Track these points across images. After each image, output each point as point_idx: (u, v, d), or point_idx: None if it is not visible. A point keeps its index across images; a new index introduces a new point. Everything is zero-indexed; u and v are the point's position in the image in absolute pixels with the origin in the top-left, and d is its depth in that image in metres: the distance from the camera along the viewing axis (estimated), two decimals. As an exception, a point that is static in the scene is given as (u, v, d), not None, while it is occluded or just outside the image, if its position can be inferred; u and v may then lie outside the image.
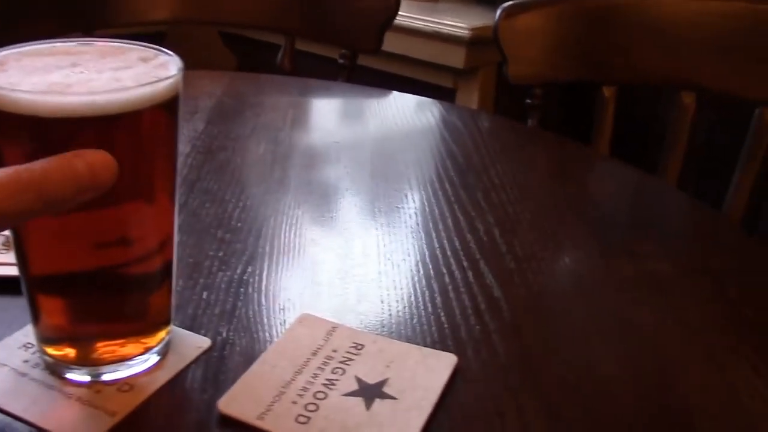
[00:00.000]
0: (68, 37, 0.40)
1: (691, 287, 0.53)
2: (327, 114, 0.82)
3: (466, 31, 1.36)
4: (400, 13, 1.43)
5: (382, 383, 0.41)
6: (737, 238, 0.64)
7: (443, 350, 0.44)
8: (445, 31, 1.38)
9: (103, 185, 0.32)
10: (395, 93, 0.91)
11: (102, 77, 0.36)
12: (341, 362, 0.43)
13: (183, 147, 0.69)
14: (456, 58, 1.40)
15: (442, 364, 0.43)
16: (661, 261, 0.56)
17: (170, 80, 0.36)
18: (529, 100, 0.96)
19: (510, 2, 0.95)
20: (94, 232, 0.36)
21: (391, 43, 1.44)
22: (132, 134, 0.35)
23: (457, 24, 1.37)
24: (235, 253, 0.53)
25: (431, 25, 1.40)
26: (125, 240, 0.37)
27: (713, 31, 0.91)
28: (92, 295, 0.38)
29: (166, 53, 0.39)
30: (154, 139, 0.36)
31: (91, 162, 0.32)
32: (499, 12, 0.94)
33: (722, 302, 0.52)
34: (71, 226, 0.35)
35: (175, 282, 0.48)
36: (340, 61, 1.06)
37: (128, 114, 0.34)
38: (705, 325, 0.49)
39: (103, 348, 0.40)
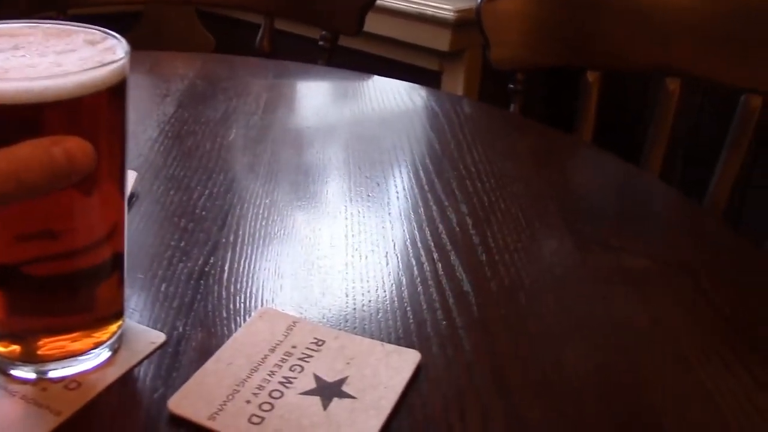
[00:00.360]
0: (42, 18, 0.39)
1: (668, 283, 0.52)
2: (302, 98, 0.80)
3: (452, 13, 1.34)
4: (385, -6, 1.41)
5: (342, 381, 0.40)
6: (719, 233, 0.63)
7: (407, 346, 0.43)
8: (430, 12, 1.36)
9: (82, 172, 0.32)
10: (375, 77, 0.89)
11: (43, 62, 0.34)
12: (300, 359, 0.41)
13: (151, 131, 0.68)
14: (441, 41, 1.38)
15: (405, 361, 0.41)
16: (639, 255, 0.55)
17: (115, 65, 0.34)
18: (511, 86, 0.94)
19: (493, -15, 0.93)
20: (31, 221, 0.34)
21: (376, 24, 1.41)
22: (71, 122, 0.33)
23: (442, 6, 1.35)
24: (198, 243, 0.51)
25: (416, 6, 1.38)
26: (65, 230, 0.35)
27: (699, 17, 0.90)
28: (31, 289, 0.36)
29: (114, 37, 0.37)
30: (96, 126, 0.34)
31: (69, 148, 0.31)
32: (481, -5, 0.92)
33: (699, 298, 0.50)
34: (4, 216, 0.33)
35: (132, 273, 0.46)
36: (321, 43, 1.04)
37: (67, 101, 0.32)
38: (679, 322, 0.48)
39: (51, 344, 0.38)
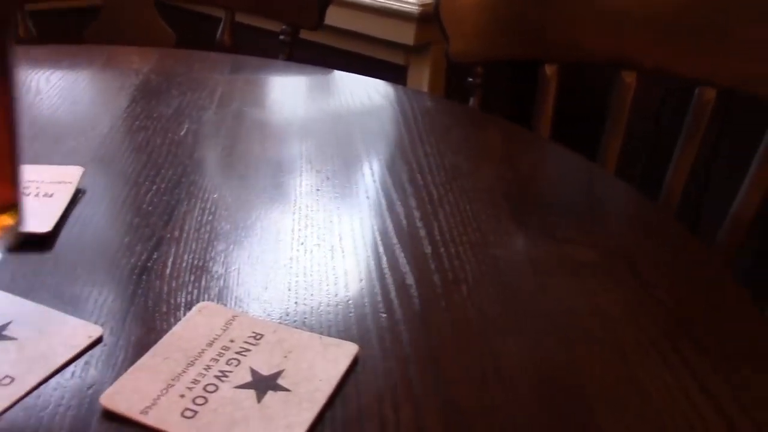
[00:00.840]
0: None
1: (611, 275, 0.53)
2: (257, 93, 0.80)
3: (416, 7, 1.34)
4: (350, -12, 1.41)
5: (278, 375, 0.40)
6: (667, 227, 0.63)
7: (347, 339, 0.43)
8: (395, 6, 1.36)
9: None
10: (334, 72, 0.89)
11: None
12: (237, 353, 0.41)
13: (102, 127, 0.67)
14: (406, 35, 1.38)
15: (343, 354, 0.42)
16: (584, 247, 0.55)
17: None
18: (470, 79, 0.95)
19: (452, -21, 0.94)
20: None
21: (341, 18, 1.41)
22: None
23: (406, 0, 1.35)
24: (142, 238, 0.51)
25: (381, 0, 1.38)
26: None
27: (653, 8, 0.91)
28: None
29: None
30: None
31: None
32: (440, -12, 0.92)
33: (641, 291, 0.51)
34: None
35: (73, 269, 0.46)
36: (281, 37, 1.03)
37: None
38: (619, 314, 0.48)
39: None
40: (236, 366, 0.40)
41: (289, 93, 0.83)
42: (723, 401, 0.42)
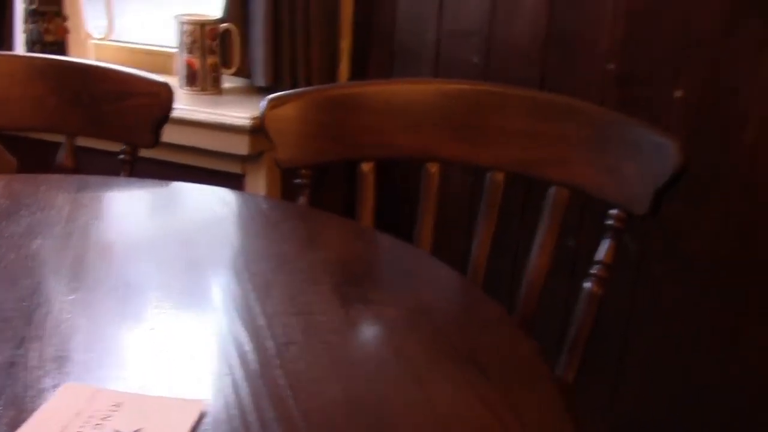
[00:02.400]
0: None
1: (412, 325, 0.65)
2: (102, 208, 0.88)
3: (248, 120, 1.47)
4: (185, 107, 1.53)
5: (138, 431, 0.48)
6: (462, 288, 0.77)
7: (195, 398, 0.52)
8: (228, 121, 1.48)
9: None
10: (172, 183, 0.98)
11: None
12: (102, 419, 0.49)
13: (-44, 249, 0.73)
14: (240, 146, 1.50)
15: (192, 409, 0.51)
16: (391, 306, 0.67)
17: None
18: (297, 180, 1.07)
19: (274, 94, 1.07)
20: None
21: (178, 134, 1.52)
22: None
23: (238, 114, 1.48)
24: (5, 339, 0.58)
25: (214, 116, 1.50)
26: None
27: (446, 111, 1.08)
28: None
29: None
30: None
31: None
32: (264, 103, 1.05)
33: (436, 335, 0.63)
34: None
35: (-56, 369, 0.52)
36: (121, 156, 1.12)
37: None
38: (419, 353, 0.60)
39: None
40: (102, 429, 0.48)
41: (132, 205, 0.92)
42: (499, 411, 0.54)
